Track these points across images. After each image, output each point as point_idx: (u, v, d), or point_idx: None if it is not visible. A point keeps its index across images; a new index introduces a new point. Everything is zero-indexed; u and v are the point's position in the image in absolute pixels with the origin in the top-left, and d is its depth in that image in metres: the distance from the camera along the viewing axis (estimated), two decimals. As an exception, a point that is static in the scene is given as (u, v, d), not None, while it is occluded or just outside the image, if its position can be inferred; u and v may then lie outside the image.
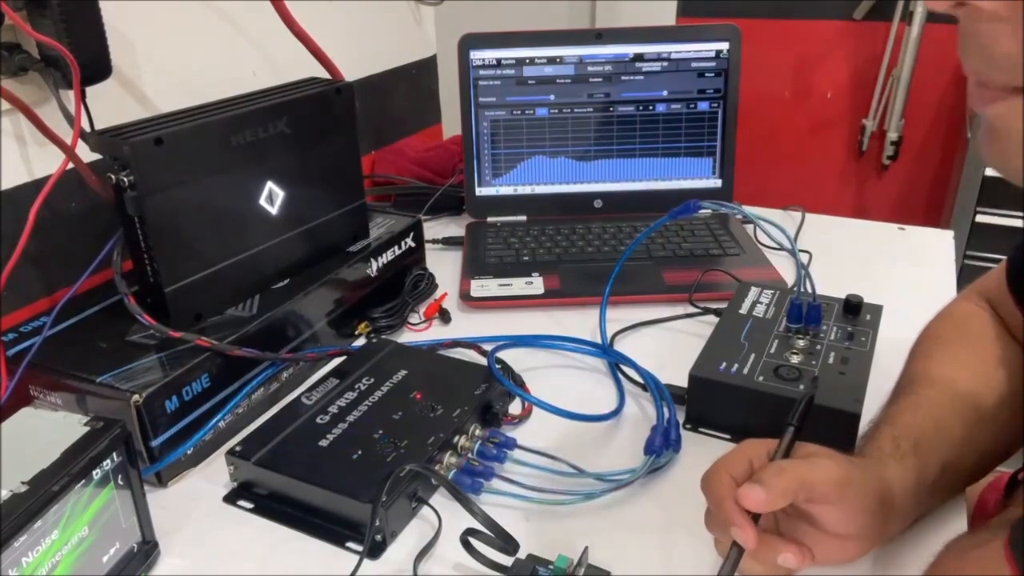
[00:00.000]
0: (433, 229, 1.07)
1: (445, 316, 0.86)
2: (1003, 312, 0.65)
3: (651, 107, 1.04)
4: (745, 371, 0.64)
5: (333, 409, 0.64)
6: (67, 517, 0.46)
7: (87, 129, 0.66)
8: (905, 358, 0.65)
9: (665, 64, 1.03)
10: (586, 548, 0.51)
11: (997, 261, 0.67)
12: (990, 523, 0.53)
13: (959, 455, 0.54)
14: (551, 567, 0.50)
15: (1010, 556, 0.41)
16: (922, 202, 2.22)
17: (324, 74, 0.82)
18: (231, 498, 0.60)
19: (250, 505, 0.59)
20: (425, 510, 0.58)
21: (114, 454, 0.49)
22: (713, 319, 0.77)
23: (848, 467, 0.49)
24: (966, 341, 0.63)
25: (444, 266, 0.95)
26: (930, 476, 0.52)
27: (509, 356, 0.74)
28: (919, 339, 0.66)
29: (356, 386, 0.67)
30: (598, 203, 1.07)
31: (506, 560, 0.51)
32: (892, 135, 2.12)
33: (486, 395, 0.66)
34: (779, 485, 0.46)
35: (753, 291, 0.77)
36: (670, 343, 0.80)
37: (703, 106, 1.04)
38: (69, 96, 0.65)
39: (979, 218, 1.80)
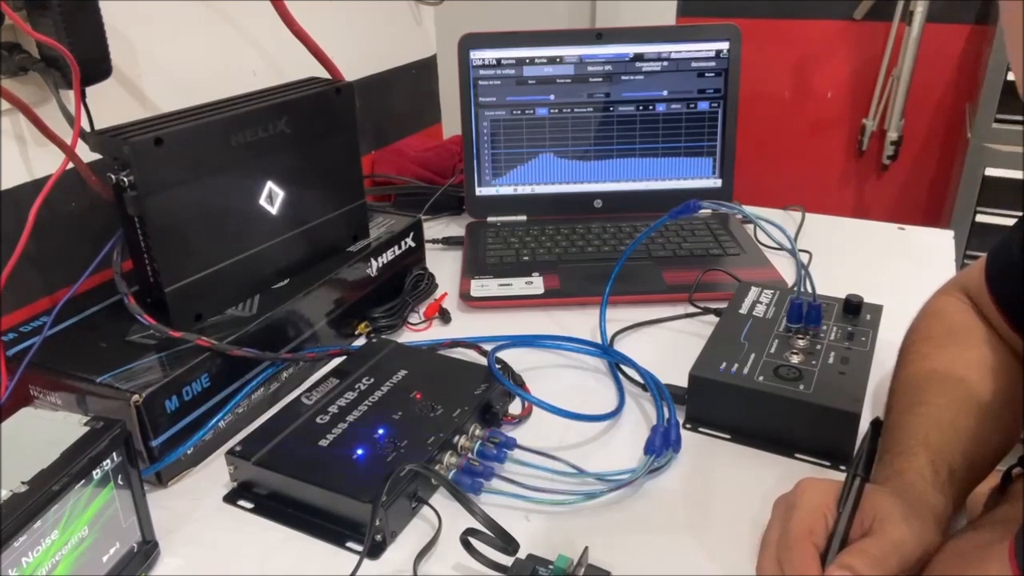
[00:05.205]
0: (433, 229, 1.07)
1: (445, 316, 0.86)
2: (982, 306, 0.65)
3: (651, 107, 1.04)
4: (745, 371, 0.64)
5: (333, 409, 0.64)
6: (67, 517, 0.46)
7: (87, 129, 0.66)
8: (897, 355, 0.65)
9: (665, 64, 1.03)
10: (586, 548, 0.51)
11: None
12: (984, 520, 0.53)
13: (979, 467, 0.55)
14: (551, 567, 0.50)
15: (1014, 559, 0.41)
16: (922, 202, 2.22)
17: (324, 74, 0.82)
18: (231, 498, 0.60)
19: (250, 505, 0.59)
20: (425, 510, 0.58)
21: (114, 454, 0.49)
22: (713, 319, 0.77)
23: (922, 531, 0.48)
24: (959, 340, 0.63)
25: (444, 266, 0.95)
26: (961, 498, 0.54)
27: (509, 356, 0.74)
28: (911, 339, 0.66)
29: (356, 386, 0.67)
30: (598, 203, 1.07)
31: (506, 560, 0.51)
32: (892, 135, 2.12)
33: (486, 395, 0.66)
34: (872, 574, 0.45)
35: (753, 291, 0.77)
36: (670, 343, 0.80)
37: (703, 106, 1.04)
38: (69, 96, 0.65)
39: (979, 218, 1.80)
